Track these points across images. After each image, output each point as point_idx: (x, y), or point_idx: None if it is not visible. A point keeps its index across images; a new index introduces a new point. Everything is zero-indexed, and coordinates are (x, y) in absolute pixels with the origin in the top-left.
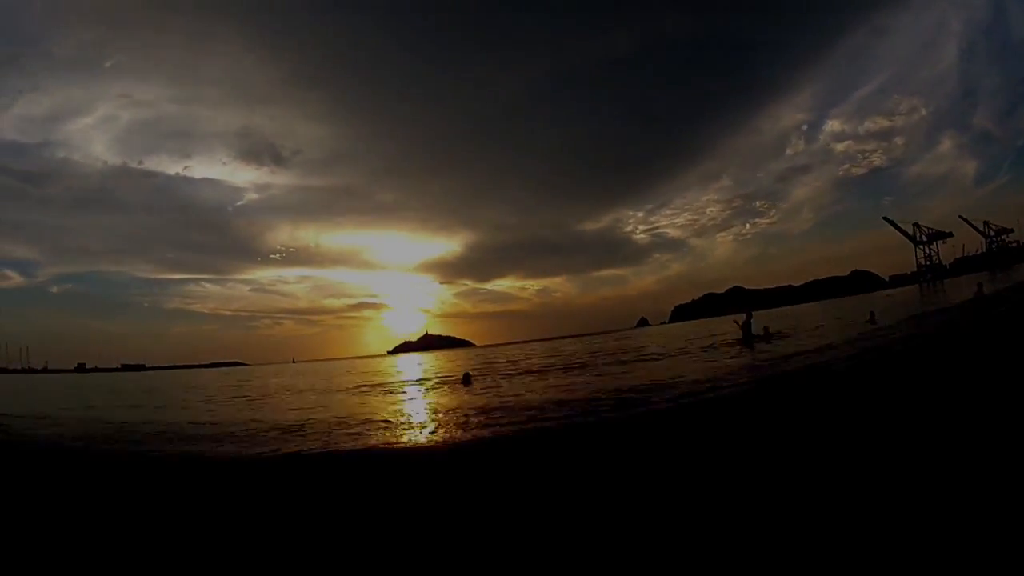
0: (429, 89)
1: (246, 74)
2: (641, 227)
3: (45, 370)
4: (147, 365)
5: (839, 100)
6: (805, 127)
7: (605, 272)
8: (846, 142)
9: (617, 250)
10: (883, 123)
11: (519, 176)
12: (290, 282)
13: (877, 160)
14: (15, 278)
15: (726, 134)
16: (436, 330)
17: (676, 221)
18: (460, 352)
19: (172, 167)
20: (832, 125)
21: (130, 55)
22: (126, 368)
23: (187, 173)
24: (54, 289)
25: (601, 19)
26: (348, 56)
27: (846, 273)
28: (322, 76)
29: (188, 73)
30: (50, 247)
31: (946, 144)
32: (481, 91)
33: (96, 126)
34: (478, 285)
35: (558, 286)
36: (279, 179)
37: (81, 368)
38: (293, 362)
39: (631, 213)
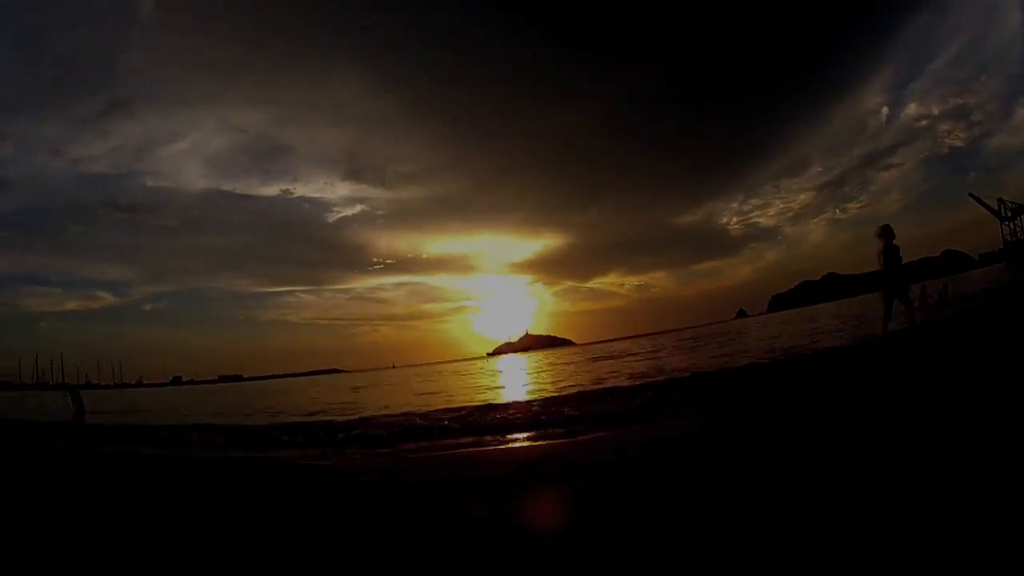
0: (528, 104)
1: (348, 95)
2: (735, 218)
3: (139, 384)
4: (244, 376)
5: (913, 80)
6: (885, 109)
7: (702, 265)
8: (925, 120)
9: (713, 242)
10: (959, 99)
11: (617, 176)
12: (388, 289)
13: (958, 135)
14: (107, 298)
15: (811, 123)
16: (536, 330)
17: (768, 210)
18: (562, 351)
19: (273, 188)
20: (910, 106)
21: (233, 87)
22: (223, 380)
23: (287, 194)
24: (148, 307)
25: (696, 29)
26: (452, 83)
27: (937, 253)
28: (424, 100)
29: (290, 98)
30: (145, 268)
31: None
32: (581, 104)
33: (196, 153)
34: (578, 284)
35: (657, 281)
36: (378, 193)
37: (176, 381)
38: (392, 367)
39: (725, 204)
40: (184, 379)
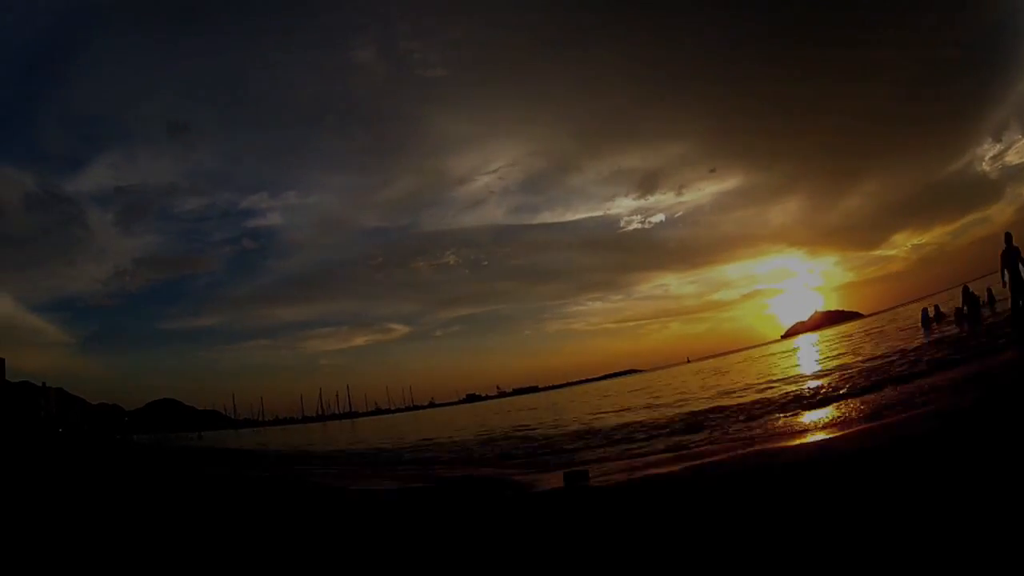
0: (815, 86)
1: (626, 113)
2: (993, 161)
3: (431, 405)
4: (539, 386)
5: None
6: None
7: (969, 217)
8: None
9: (975, 190)
10: None
11: (888, 149)
12: (673, 285)
13: None
14: (399, 329)
15: None
16: (825, 307)
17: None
18: (854, 325)
19: (557, 216)
20: None
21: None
22: (518, 392)
23: (565, 218)
24: (438, 333)
25: None
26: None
27: None
28: (699, 103)
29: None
30: (433, 299)
31: None
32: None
33: (481, 196)
34: (859, 253)
35: (932, 238)
36: (657, 200)
37: (471, 398)
38: (688, 361)
39: (981, 148)
40: (480, 395)
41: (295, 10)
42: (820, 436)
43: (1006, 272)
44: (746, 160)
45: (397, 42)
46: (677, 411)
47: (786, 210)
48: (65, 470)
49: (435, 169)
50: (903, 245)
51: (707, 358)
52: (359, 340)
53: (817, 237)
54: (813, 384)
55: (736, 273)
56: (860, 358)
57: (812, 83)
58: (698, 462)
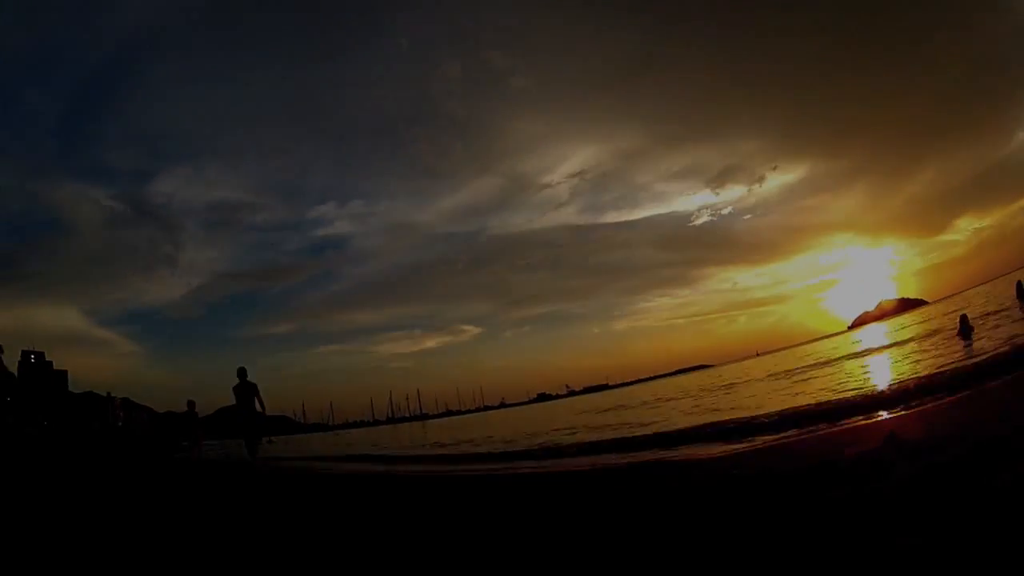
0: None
1: (696, 110)
2: None
3: (501, 405)
4: (610, 384)
5: None
6: None
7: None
8: None
9: None
10: None
11: (948, 132)
12: (740, 278)
13: None
14: (470, 331)
15: None
16: (891, 296)
17: None
18: (918, 312)
19: (626, 214)
20: None
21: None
22: (588, 390)
23: (634, 216)
24: (508, 333)
25: None
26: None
27: None
28: (766, 99)
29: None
30: (504, 300)
31: None
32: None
33: (551, 197)
34: (922, 240)
35: (993, 221)
36: (724, 195)
37: (542, 397)
38: (757, 355)
39: None
40: (550, 394)
41: (368, 25)
42: None
43: None
44: (811, 152)
45: (478, 52)
46: None
47: (850, 200)
48: (127, 476)
49: (505, 173)
50: (965, 229)
51: (775, 351)
52: (430, 342)
53: (881, 225)
54: None
55: (801, 264)
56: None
57: (874, 75)
58: None
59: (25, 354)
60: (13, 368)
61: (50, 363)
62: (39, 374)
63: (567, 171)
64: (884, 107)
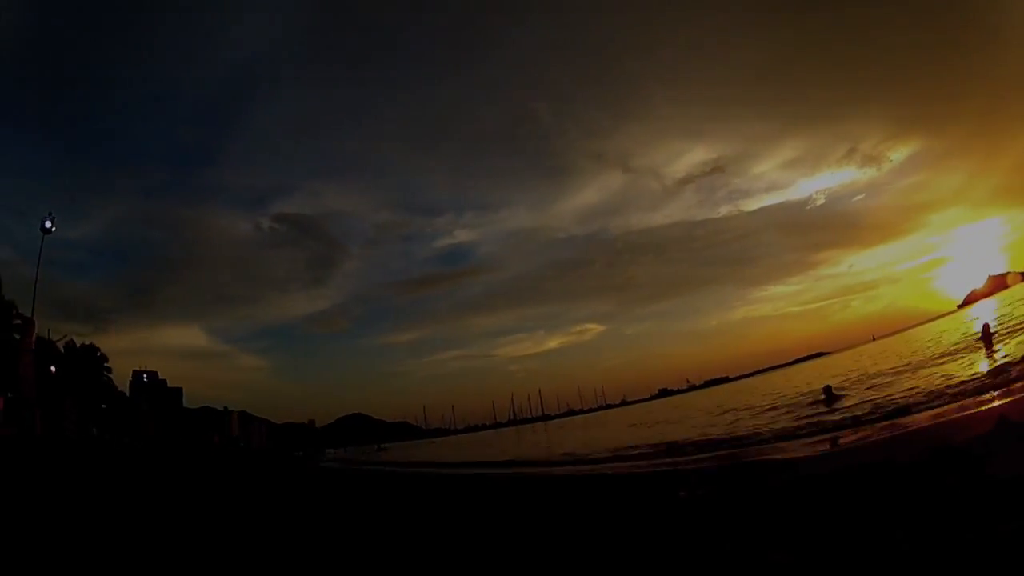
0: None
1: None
2: None
3: (623, 403)
4: (730, 376)
5: None
6: None
7: None
8: None
9: None
10: None
11: None
12: (851, 262)
13: None
14: (592, 329)
15: None
16: (999, 271)
17: None
18: None
19: (741, 206)
20: None
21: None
22: (708, 384)
23: (749, 207)
24: (629, 331)
25: None
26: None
27: None
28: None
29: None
30: (625, 298)
31: None
32: None
33: (668, 193)
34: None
35: None
36: (835, 178)
37: (663, 392)
38: (872, 340)
39: None
40: (671, 389)
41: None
42: None
43: None
44: (920, 130)
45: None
46: None
47: (957, 175)
48: (243, 479)
49: (624, 174)
50: None
51: (891, 334)
52: (552, 343)
53: (989, 198)
54: None
55: (911, 244)
56: None
57: (975, 49)
58: None
59: (137, 373)
60: (124, 387)
61: (164, 381)
62: (150, 391)
63: (686, 165)
64: (987, 78)
